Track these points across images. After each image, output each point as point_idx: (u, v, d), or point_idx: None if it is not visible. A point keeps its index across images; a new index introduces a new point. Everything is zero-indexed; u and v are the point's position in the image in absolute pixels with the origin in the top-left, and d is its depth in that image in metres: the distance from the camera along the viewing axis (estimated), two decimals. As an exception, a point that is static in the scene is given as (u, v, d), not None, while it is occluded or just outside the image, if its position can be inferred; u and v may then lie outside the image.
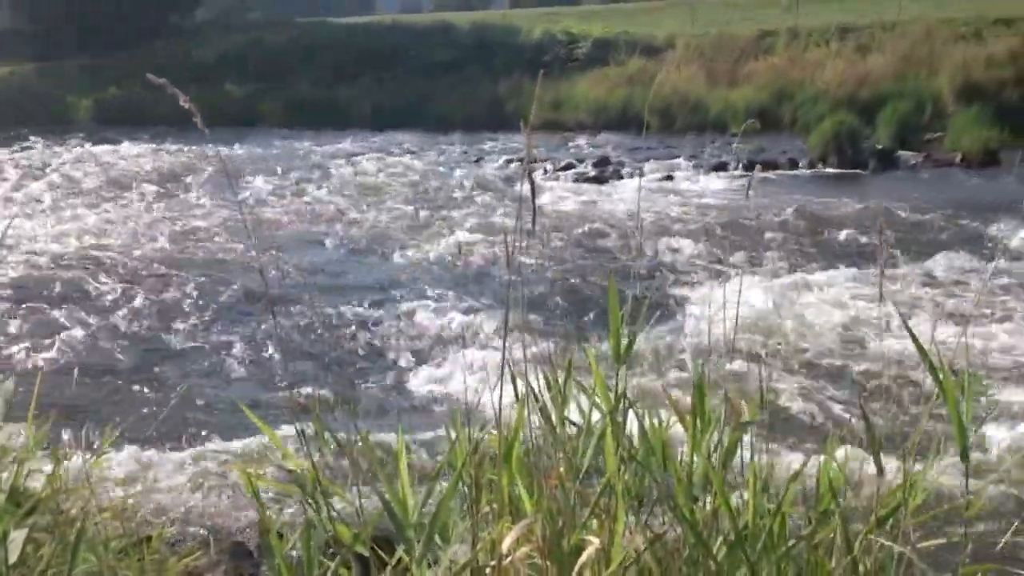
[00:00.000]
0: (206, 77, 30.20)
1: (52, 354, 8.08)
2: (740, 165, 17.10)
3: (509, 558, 2.20)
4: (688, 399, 2.42)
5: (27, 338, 8.45)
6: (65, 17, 33.96)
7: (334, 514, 2.19)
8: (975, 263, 9.96)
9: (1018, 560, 2.31)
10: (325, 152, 20.99)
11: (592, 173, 17.18)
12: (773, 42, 24.75)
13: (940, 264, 9.92)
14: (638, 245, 10.81)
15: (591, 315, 8.53)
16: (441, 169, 18.15)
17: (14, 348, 8.19)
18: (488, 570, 2.26)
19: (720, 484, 2.20)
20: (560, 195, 14.99)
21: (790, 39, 24.64)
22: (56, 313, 9.13)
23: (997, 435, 5.53)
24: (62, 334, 8.53)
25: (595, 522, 2.36)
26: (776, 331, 7.84)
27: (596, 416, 2.47)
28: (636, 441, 2.44)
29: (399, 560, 2.25)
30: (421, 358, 7.87)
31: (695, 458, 2.35)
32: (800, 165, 17.17)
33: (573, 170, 17.54)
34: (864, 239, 10.96)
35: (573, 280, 9.67)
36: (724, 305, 2.78)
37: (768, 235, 11.29)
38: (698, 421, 2.40)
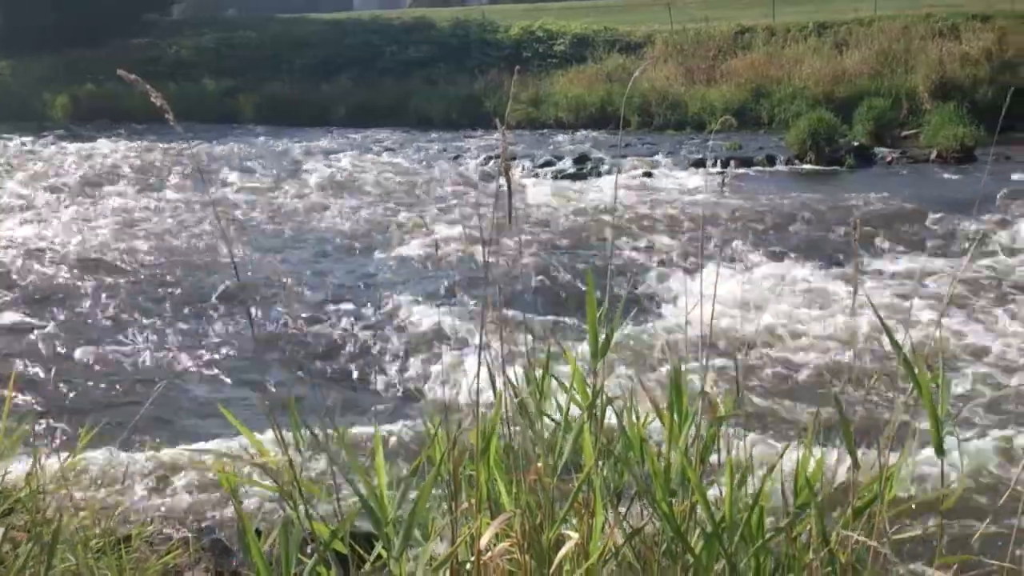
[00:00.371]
0: (184, 74, 30.03)
1: (27, 354, 8.00)
2: (718, 162, 17.19)
3: (488, 553, 2.21)
4: (665, 394, 2.43)
5: (1, 338, 8.37)
6: (40, 14, 33.61)
7: (312, 512, 2.19)
8: (948, 258, 10.08)
9: (993, 551, 2.33)
10: (303, 149, 20.90)
11: (571, 170, 17.20)
12: (751, 39, 24.86)
13: (914, 259, 10.03)
14: (613, 240, 10.84)
15: (569, 311, 8.54)
16: (419, 166, 18.12)
17: (-12, 348, 8.12)
18: (468, 565, 2.26)
19: (696, 478, 2.21)
20: (539, 192, 15.00)
21: (768, 36, 24.76)
22: (31, 312, 9.05)
23: (972, 428, 5.59)
24: (37, 333, 8.46)
25: (575, 517, 2.37)
26: (753, 324, 7.89)
27: (575, 411, 2.48)
28: (615, 436, 2.46)
29: (378, 556, 2.25)
30: (398, 355, 7.86)
31: (672, 452, 2.37)
32: (778, 162, 17.25)
33: (552, 167, 17.55)
34: (838, 235, 11.05)
35: (551, 276, 9.69)
36: (700, 300, 2.80)
37: (744, 231, 11.36)
38: (675, 416, 2.41)
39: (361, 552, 2.27)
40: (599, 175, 16.73)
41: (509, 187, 2.39)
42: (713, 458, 2.40)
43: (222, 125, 25.36)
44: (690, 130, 21.21)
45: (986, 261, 9.80)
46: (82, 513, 3.45)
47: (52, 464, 3.22)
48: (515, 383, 2.46)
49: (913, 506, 2.25)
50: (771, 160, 17.31)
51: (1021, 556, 2.28)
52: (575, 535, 2.25)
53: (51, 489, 3.19)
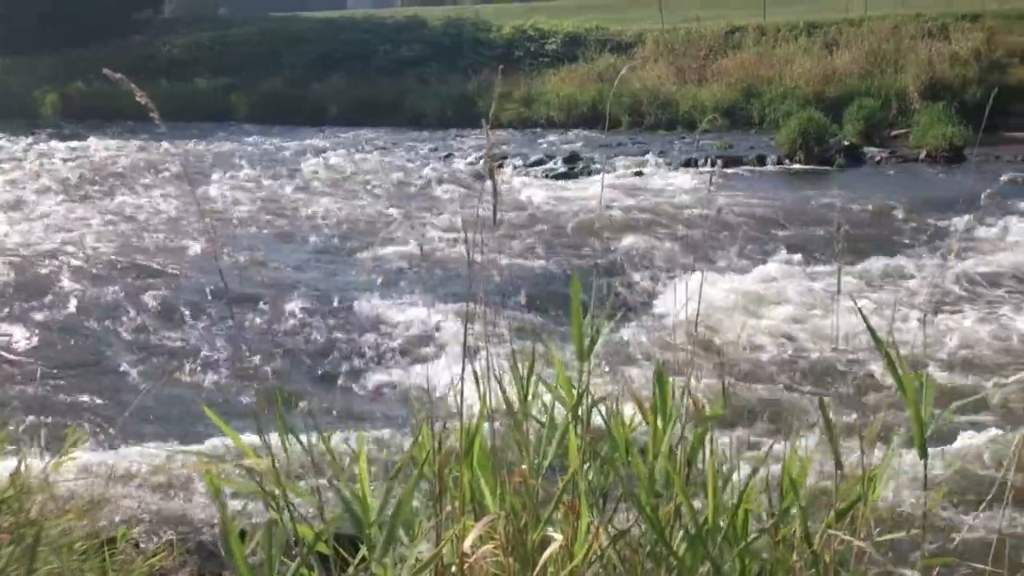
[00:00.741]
0: (176, 72, 29.96)
1: (12, 353, 7.97)
2: (709, 161, 17.22)
3: (472, 556, 2.20)
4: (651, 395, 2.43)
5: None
6: (31, 12, 33.45)
7: (296, 514, 2.18)
8: (934, 258, 10.12)
9: (976, 552, 2.34)
10: (295, 148, 20.87)
11: (562, 169, 17.21)
12: (742, 38, 24.89)
13: (900, 259, 10.06)
14: (601, 241, 10.85)
15: (556, 311, 8.54)
16: (411, 165, 18.10)
17: (-27, 348, 8.07)
18: (453, 568, 2.26)
19: (680, 481, 2.21)
20: (530, 191, 14.99)
21: (759, 36, 24.80)
22: (16, 311, 9.01)
23: (955, 429, 5.61)
24: (23, 333, 8.42)
25: (560, 518, 2.37)
26: (739, 325, 7.90)
27: (560, 412, 2.48)
28: (600, 438, 2.45)
29: (363, 559, 2.25)
30: (384, 355, 7.84)
31: (657, 454, 2.36)
32: (768, 162, 17.29)
33: (543, 166, 17.56)
34: (826, 234, 11.07)
35: (539, 276, 9.68)
36: (687, 300, 2.80)
37: (733, 231, 11.38)
38: (660, 417, 2.41)
39: (345, 555, 2.27)
40: (590, 174, 16.74)
41: (495, 187, 2.38)
42: (700, 459, 2.40)
43: (215, 123, 25.33)
44: (681, 130, 21.23)
45: (971, 260, 9.83)
46: (68, 515, 3.43)
47: (37, 465, 3.20)
48: (501, 384, 2.46)
49: (897, 508, 2.25)
50: (761, 160, 17.34)
51: (1003, 557, 2.29)
52: (559, 537, 2.25)
53: (36, 490, 3.17)
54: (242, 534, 2.33)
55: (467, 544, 2.14)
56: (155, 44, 33.45)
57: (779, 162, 17.28)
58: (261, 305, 9.09)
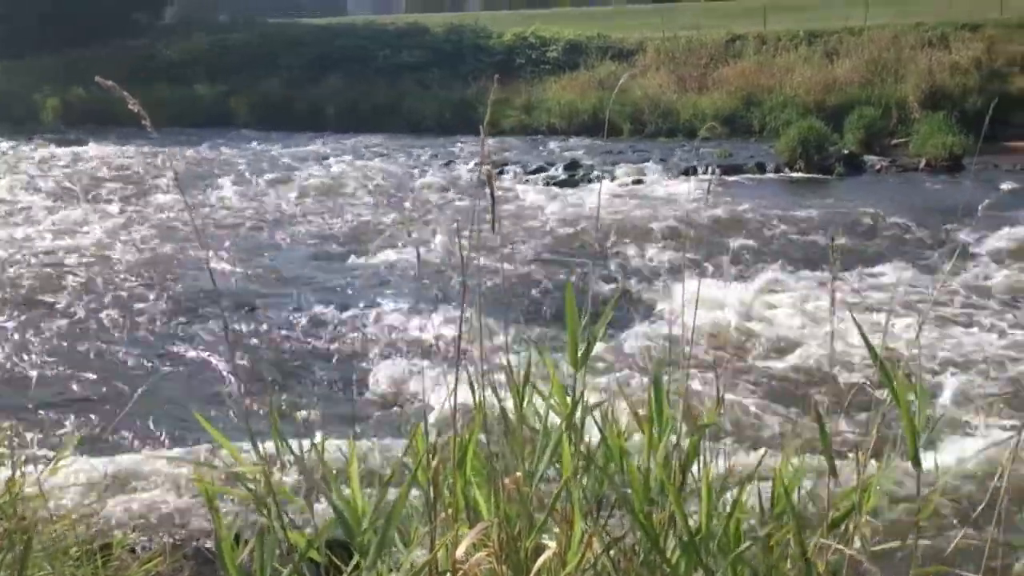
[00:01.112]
0: (176, 77, 29.99)
1: (7, 360, 7.96)
2: (709, 170, 17.23)
3: (466, 563, 2.20)
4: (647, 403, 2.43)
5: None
6: (31, 16, 33.51)
7: (288, 521, 2.18)
8: (931, 267, 10.12)
9: (968, 563, 2.34)
10: (294, 154, 20.88)
11: (563, 176, 17.23)
12: (742, 47, 24.94)
13: (897, 268, 10.08)
14: (599, 248, 10.85)
15: (553, 318, 8.53)
16: (410, 172, 18.12)
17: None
18: (447, 575, 2.25)
19: (674, 488, 2.21)
20: (530, 198, 15.01)
21: (759, 44, 24.84)
22: (10, 317, 9.01)
23: (950, 438, 5.60)
24: (17, 339, 8.42)
25: (554, 526, 2.36)
26: (735, 334, 7.90)
27: (555, 420, 2.47)
28: (595, 445, 2.45)
29: (356, 565, 2.24)
30: (379, 362, 7.82)
31: (652, 462, 2.36)
32: (767, 170, 17.31)
33: (544, 173, 17.58)
34: (824, 243, 11.08)
35: (536, 283, 9.68)
36: (684, 308, 2.80)
37: (731, 239, 11.39)
38: (656, 425, 2.41)
39: (338, 563, 2.26)
40: (590, 182, 16.76)
41: (492, 194, 2.38)
42: (695, 467, 2.40)
43: (214, 128, 25.33)
44: (681, 137, 21.27)
45: (968, 270, 9.83)
46: (63, 521, 3.43)
47: (31, 471, 3.20)
48: (495, 391, 2.46)
49: (890, 516, 2.25)
50: (761, 168, 17.36)
51: (996, 567, 2.28)
52: (553, 545, 2.25)
53: (31, 497, 3.16)
54: (238, 539, 2.33)
55: (460, 551, 2.14)
56: (156, 47, 33.46)
57: (779, 170, 17.31)
58: (255, 311, 9.08)
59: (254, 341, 8.39)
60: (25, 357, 8.03)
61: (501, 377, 2.49)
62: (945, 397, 6.46)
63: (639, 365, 7.12)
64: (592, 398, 2.53)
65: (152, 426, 6.41)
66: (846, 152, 17.66)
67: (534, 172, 17.70)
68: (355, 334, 8.51)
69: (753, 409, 6.37)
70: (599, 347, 2.51)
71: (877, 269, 10.05)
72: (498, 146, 20.96)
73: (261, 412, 6.02)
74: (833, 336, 2.40)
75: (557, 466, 2.40)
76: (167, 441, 6.10)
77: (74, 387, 7.38)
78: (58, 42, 33.15)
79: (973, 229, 10.99)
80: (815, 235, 11.63)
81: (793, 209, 13.25)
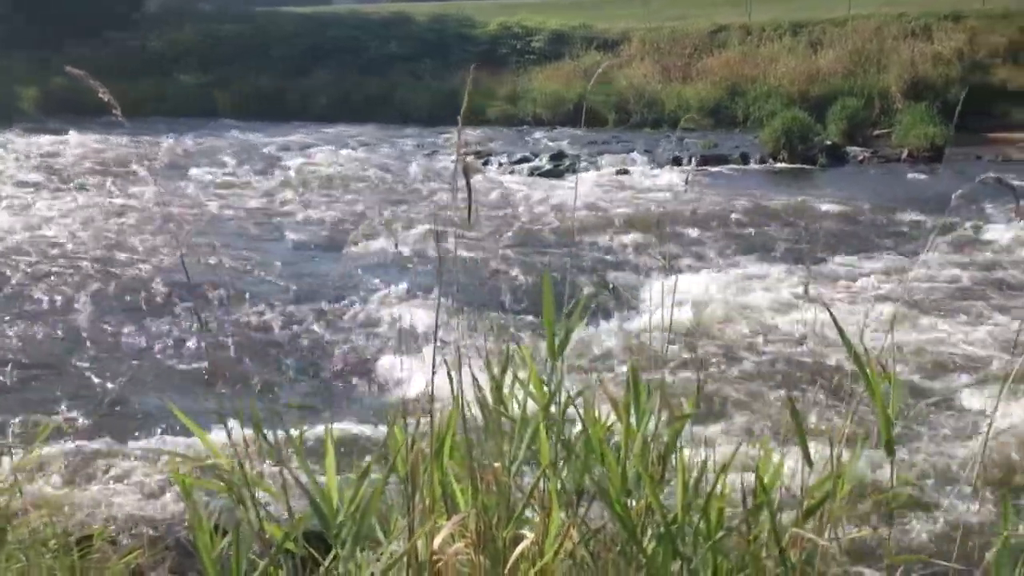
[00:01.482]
0: (160, 68, 29.75)
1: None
2: (692, 160, 17.26)
3: (443, 554, 2.20)
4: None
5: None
6: (11, 7, 33.14)
7: (265, 512, 2.18)
8: (908, 257, 10.20)
9: (942, 550, 2.36)
10: (278, 144, 20.76)
11: (547, 167, 17.20)
12: (726, 37, 24.95)
13: (874, 258, 10.15)
14: (579, 239, 10.87)
15: (531, 308, 8.53)
16: (394, 162, 18.05)
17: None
18: (426, 565, 2.25)
19: (651, 479, 2.21)
20: (514, 189, 14.98)
21: (743, 35, 24.86)
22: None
23: (923, 427, 5.64)
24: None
25: (532, 516, 2.37)
26: (713, 324, 7.93)
27: (534, 411, 2.48)
28: (574, 436, 2.46)
29: (336, 557, 2.24)
30: (357, 350, 7.82)
31: (630, 453, 2.37)
32: (751, 160, 17.35)
33: (528, 164, 17.54)
34: (805, 233, 11.14)
35: (515, 273, 9.67)
36: (663, 298, 2.81)
37: (712, 229, 11.42)
38: (633, 415, 2.42)
39: (315, 554, 2.26)
40: (575, 172, 16.74)
41: (469, 185, 2.38)
42: (673, 458, 2.40)
43: (198, 119, 25.15)
44: (666, 128, 21.26)
45: (943, 260, 9.90)
46: (40, 512, 3.41)
47: (5, 462, 3.18)
48: (474, 380, 2.46)
49: (863, 506, 2.26)
50: (745, 158, 17.40)
51: (968, 555, 2.30)
52: (530, 535, 2.25)
53: (6, 488, 3.15)
54: (217, 529, 2.32)
55: (437, 542, 2.14)
56: (138, 39, 33.17)
57: (763, 161, 17.35)
58: (233, 301, 9.03)
59: (230, 330, 8.34)
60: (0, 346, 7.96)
61: (480, 366, 2.49)
62: (920, 386, 6.50)
63: (618, 354, 7.14)
64: (572, 388, 2.53)
65: (128, 416, 6.37)
66: (829, 143, 17.72)
67: (519, 162, 17.67)
68: (333, 322, 8.49)
69: (732, 398, 6.40)
70: (579, 337, 2.51)
71: (855, 258, 10.12)
72: (483, 136, 20.92)
73: (237, 402, 6.00)
74: (809, 323, 2.41)
75: (538, 457, 2.40)
76: (143, 431, 6.07)
77: (48, 378, 7.32)
78: (38, 36, 32.75)
79: (948, 219, 11.06)
80: (796, 225, 11.68)
81: (776, 199, 13.30)
